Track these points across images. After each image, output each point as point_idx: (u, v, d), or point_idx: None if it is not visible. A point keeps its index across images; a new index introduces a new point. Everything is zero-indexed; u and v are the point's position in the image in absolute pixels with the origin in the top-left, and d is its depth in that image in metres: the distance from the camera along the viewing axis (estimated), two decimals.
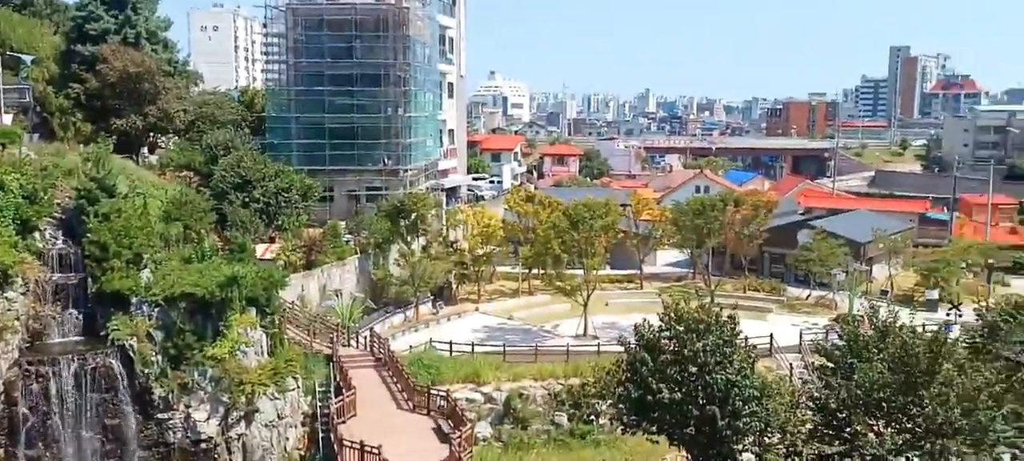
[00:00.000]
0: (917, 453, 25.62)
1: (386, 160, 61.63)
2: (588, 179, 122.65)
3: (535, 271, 59.96)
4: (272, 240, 50.57)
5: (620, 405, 29.39)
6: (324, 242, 51.61)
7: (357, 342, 43.39)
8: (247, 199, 50.87)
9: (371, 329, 46.01)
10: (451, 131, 79.53)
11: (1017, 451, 27.63)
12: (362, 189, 61.61)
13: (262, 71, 75.03)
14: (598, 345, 45.49)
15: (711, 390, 26.85)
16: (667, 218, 63.81)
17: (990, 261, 60.11)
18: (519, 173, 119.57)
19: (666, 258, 72.55)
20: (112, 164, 38.62)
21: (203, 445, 33.68)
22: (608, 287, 61.48)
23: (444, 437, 32.27)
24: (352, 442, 30.23)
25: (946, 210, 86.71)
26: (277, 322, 38.12)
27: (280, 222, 51.94)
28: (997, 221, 78.90)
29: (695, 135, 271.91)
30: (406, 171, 62.38)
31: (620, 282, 64.30)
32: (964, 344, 31.82)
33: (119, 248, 34.41)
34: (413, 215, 55.77)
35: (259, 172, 52.22)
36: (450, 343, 45.30)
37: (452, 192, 76.73)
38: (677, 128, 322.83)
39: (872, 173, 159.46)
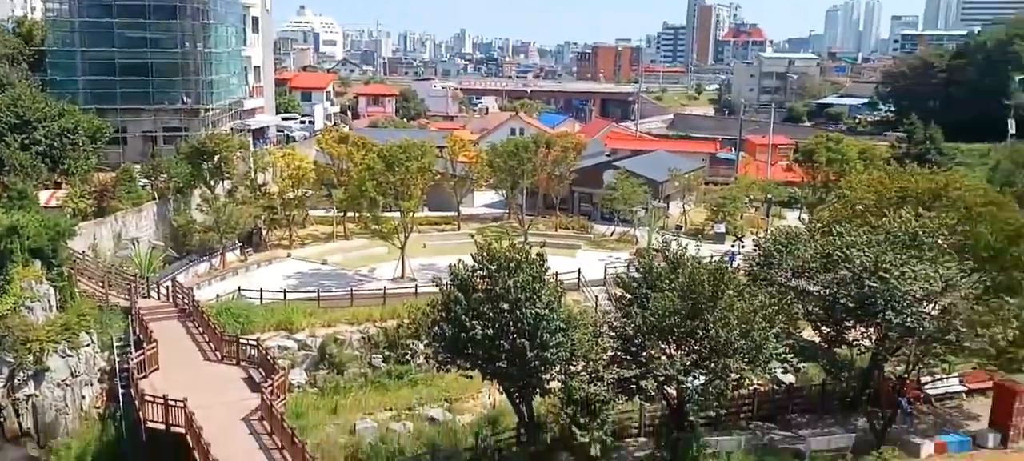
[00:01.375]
0: (702, 371, 28.34)
1: (185, 98, 58.18)
2: (405, 120, 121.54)
3: (350, 215, 59.14)
4: (57, 186, 46.85)
5: (435, 344, 30.03)
6: (117, 187, 48.20)
7: (158, 293, 41.18)
8: (27, 141, 46.81)
9: (173, 279, 43.76)
10: (257, 68, 75.99)
11: (787, 365, 31.26)
12: (159, 130, 57.99)
13: (42, 1, 68.02)
14: (416, 287, 45.85)
15: (521, 324, 27.99)
16: (483, 160, 64.83)
17: (769, 196, 66.25)
18: (332, 113, 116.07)
19: (483, 199, 73.87)
20: None
21: None
22: (426, 229, 61.85)
23: (256, 386, 31.59)
24: (154, 397, 28.98)
25: (733, 150, 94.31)
26: (66, 274, 35.74)
27: (66, 166, 48.06)
28: (776, 160, 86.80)
29: (511, 77, 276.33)
30: (207, 110, 59.11)
31: (438, 224, 64.82)
32: (744, 272, 35.28)
33: None
34: (216, 157, 53.18)
35: (40, 111, 48.02)
36: (260, 291, 43.88)
37: (260, 133, 73.58)
38: (493, 70, 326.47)
39: (671, 116, 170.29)
